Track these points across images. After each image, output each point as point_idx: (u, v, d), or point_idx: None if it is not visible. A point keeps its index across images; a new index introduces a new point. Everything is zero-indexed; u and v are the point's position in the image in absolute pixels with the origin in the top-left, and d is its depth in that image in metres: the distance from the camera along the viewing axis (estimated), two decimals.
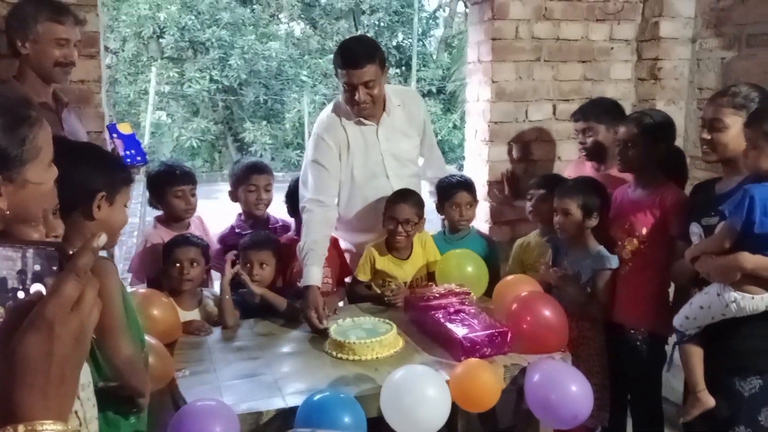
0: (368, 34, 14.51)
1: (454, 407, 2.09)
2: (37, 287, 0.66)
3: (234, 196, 3.05)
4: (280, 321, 2.64)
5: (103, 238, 0.66)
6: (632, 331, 2.64)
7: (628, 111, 3.66)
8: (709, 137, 2.29)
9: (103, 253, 2.04)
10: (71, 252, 0.65)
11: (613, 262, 2.65)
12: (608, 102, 3.12)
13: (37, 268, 0.66)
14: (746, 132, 2.15)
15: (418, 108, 3.04)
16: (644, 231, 2.59)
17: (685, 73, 3.61)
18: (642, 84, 3.68)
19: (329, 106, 2.96)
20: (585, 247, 2.69)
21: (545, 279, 2.69)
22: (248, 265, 2.64)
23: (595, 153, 3.02)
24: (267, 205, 3.03)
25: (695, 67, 3.60)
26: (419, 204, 2.80)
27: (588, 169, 3.08)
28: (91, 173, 1.66)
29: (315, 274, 2.64)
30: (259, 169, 3.02)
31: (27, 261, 0.66)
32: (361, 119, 2.84)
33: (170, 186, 2.82)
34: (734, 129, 2.23)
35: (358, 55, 2.67)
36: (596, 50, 3.61)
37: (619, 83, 3.67)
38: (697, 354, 2.32)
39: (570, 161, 3.42)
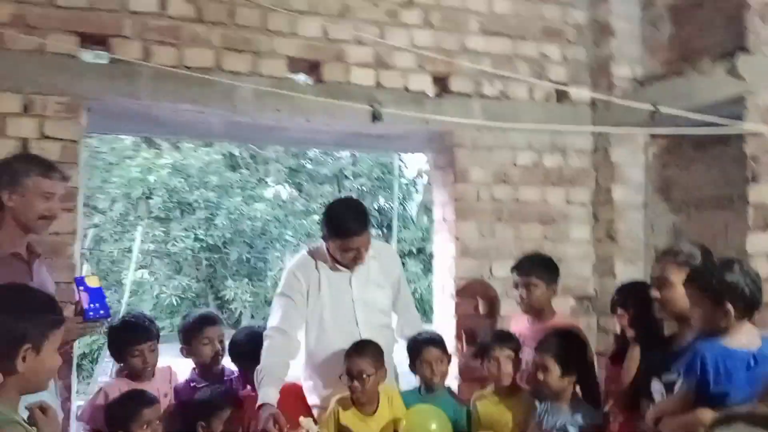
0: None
1: None
2: None
3: (187, 351, 3.03)
4: None
5: None
6: None
7: (589, 270, 3.83)
8: (658, 296, 2.38)
9: (53, 399, 2.01)
10: None
11: (598, 418, 2.63)
12: (545, 258, 3.25)
13: None
14: (686, 290, 2.25)
15: (393, 263, 3.17)
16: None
17: (640, 234, 3.79)
18: (600, 244, 3.84)
19: (305, 249, 3.09)
20: (569, 402, 2.68)
21: None
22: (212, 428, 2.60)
23: (531, 308, 3.11)
24: (222, 357, 3.02)
25: (649, 229, 3.78)
26: (375, 355, 2.77)
27: (525, 322, 3.15)
28: (14, 322, 1.58)
29: (272, 393, 2.62)
30: (211, 321, 3.04)
31: None
32: (337, 265, 2.94)
33: (128, 345, 2.82)
34: (681, 286, 2.33)
35: (362, 223, 2.88)
36: (554, 212, 3.81)
37: (579, 243, 3.83)
38: None
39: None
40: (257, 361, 2.76)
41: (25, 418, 1.72)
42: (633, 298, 2.68)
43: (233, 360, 3.05)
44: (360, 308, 2.97)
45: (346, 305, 2.96)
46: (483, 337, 3.16)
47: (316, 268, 2.96)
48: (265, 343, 2.80)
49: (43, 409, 1.76)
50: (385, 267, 3.08)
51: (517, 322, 3.22)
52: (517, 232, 3.72)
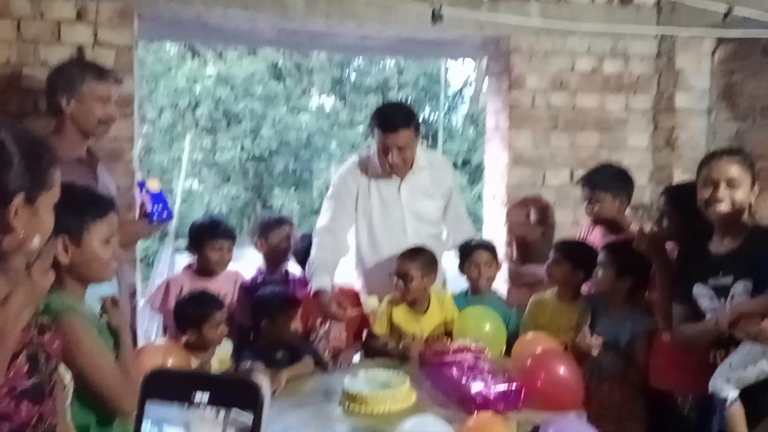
0: None
1: None
2: None
3: (259, 247, 3.19)
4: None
5: (35, 241, 0.69)
6: (680, 399, 2.53)
7: (645, 179, 3.76)
8: (725, 194, 2.30)
9: (113, 290, 2.12)
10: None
11: (650, 324, 2.65)
12: (614, 170, 3.16)
13: None
14: None
15: (445, 174, 3.16)
16: None
17: (701, 142, 3.68)
18: (659, 153, 3.75)
19: (356, 155, 3.12)
20: (622, 308, 2.71)
21: (583, 346, 2.67)
22: (277, 324, 2.69)
23: (602, 220, 3.06)
24: (289, 257, 3.17)
25: (711, 137, 3.67)
26: (425, 261, 2.83)
27: (598, 234, 3.12)
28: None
29: (325, 280, 2.75)
30: (279, 222, 3.18)
31: None
32: (386, 172, 2.96)
33: (210, 239, 2.97)
34: (745, 186, 2.27)
35: (395, 120, 2.84)
36: (612, 120, 3.71)
37: (636, 151, 3.75)
38: (742, 416, 2.27)
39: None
40: None
41: (98, 309, 1.82)
42: (680, 201, 2.58)
43: (296, 263, 3.17)
44: (409, 217, 3.00)
45: (395, 213, 3.00)
46: (545, 245, 3.16)
47: (366, 174, 2.99)
48: (315, 240, 2.90)
49: (115, 300, 1.86)
50: (436, 178, 3.07)
51: (591, 233, 3.18)
52: (573, 140, 3.65)
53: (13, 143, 1.13)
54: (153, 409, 0.51)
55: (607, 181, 3.05)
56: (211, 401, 0.51)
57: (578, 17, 3.51)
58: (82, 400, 1.63)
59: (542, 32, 3.48)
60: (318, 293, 2.72)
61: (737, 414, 2.25)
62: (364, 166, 3.00)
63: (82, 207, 1.72)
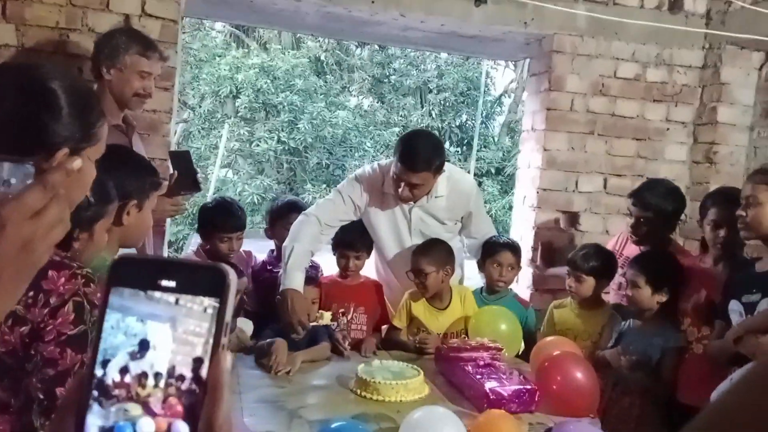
0: (433, 112, 14.87)
1: None
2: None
3: (271, 233, 3.14)
4: None
5: (77, 163, 0.68)
6: None
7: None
8: (744, 213, 2.29)
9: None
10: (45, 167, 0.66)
11: (680, 340, 2.59)
12: (668, 189, 2.95)
13: (14, 181, 0.66)
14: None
15: (464, 200, 3.01)
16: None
17: (741, 159, 3.59)
18: (697, 167, 3.66)
19: (381, 164, 2.99)
20: (653, 322, 2.65)
21: (614, 364, 2.61)
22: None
23: (648, 241, 2.89)
24: None
25: (752, 154, 3.58)
26: (438, 253, 2.79)
27: (633, 246, 3.03)
28: (123, 179, 1.67)
29: (299, 279, 2.68)
30: (297, 208, 3.07)
31: (3, 171, 0.66)
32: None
33: (219, 231, 2.87)
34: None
35: (416, 160, 2.69)
36: (652, 129, 3.63)
37: (674, 164, 3.67)
38: None
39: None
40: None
41: None
42: (725, 205, 2.50)
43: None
44: (416, 237, 2.94)
45: (403, 231, 2.96)
46: (571, 252, 3.08)
47: (382, 186, 2.89)
48: (299, 223, 2.83)
49: None
50: (452, 205, 2.96)
51: (626, 245, 3.05)
52: (610, 147, 3.58)
53: (64, 94, 1.14)
54: (118, 298, 0.49)
55: (661, 202, 2.85)
56: (178, 288, 0.48)
57: (625, 21, 3.43)
58: None
59: (587, 34, 3.43)
60: (285, 294, 2.63)
61: None
62: (383, 178, 2.90)
63: (146, 174, 1.82)
